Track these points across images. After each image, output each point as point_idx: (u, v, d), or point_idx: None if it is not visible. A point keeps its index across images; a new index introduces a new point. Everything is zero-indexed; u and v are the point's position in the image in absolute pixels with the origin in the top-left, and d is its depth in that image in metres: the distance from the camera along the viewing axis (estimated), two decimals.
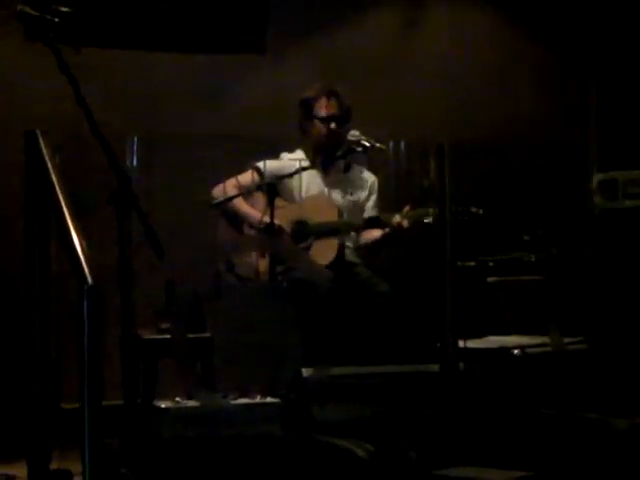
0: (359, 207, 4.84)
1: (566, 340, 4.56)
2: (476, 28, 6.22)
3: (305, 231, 4.65)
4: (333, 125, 4.70)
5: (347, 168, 4.79)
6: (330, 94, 4.74)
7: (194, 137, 5.45)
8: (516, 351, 4.37)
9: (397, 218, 4.57)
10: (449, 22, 6.18)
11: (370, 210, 4.87)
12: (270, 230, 4.33)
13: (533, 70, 6.31)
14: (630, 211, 5.29)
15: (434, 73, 6.05)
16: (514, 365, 4.35)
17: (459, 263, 4.14)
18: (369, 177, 4.91)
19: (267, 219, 4.33)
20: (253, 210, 4.61)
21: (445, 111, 6.01)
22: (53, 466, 3.26)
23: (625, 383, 4.43)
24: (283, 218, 4.55)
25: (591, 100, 6.41)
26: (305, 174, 4.65)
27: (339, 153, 4.64)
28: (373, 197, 4.91)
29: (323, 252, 4.62)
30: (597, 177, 5.59)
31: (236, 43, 5.67)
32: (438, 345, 3.91)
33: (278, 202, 4.51)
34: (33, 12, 3.18)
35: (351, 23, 5.97)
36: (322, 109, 4.72)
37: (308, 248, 4.62)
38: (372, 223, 4.70)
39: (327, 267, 4.56)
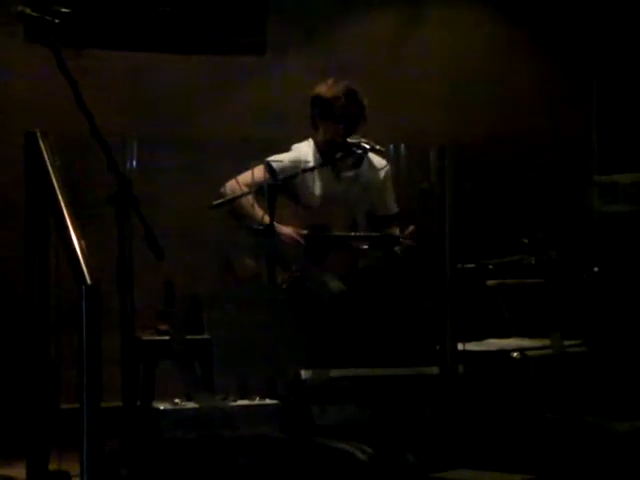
0: (374, 204, 4.76)
1: (566, 343, 4.55)
2: (476, 29, 6.22)
3: (321, 240, 4.57)
4: (353, 125, 4.59)
5: (358, 163, 4.70)
6: (349, 94, 4.59)
7: (194, 138, 5.45)
8: (515, 354, 4.37)
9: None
10: (449, 23, 6.17)
11: (391, 204, 4.80)
12: (269, 232, 4.31)
13: (533, 72, 6.30)
14: (630, 214, 5.28)
15: (434, 74, 6.04)
16: (513, 368, 4.34)
17: (459, 265, 4.14)
18: (380, 165, 4.77)
19: (267, 219, 4.30)
20: (257, 210, 4.51)
21: (445, 113, 6.01)
22: (51, 467, 3.26)
23: (626, 386, 4.42)
24: (301, 221, 4.52)
25: (591, 102, 6.41)
26: (317, 173, 4.60)
27: (338, 155, 4.60)
28: (389, 187, 4.80)
29: (338, 261, 4.56)
30: (597, 180, 5.59)
31: (235, 44, 5.67)
32: (438, 348, 3.91)
33: (292, 204, 4.50)
34: (33, 13, 3.17)
35: (350, 24, 5.97)
36: (341, 109, 4.56)
37: (323, 257, 4.56)
38: (391, 240, 4.60)
39: (342, 276, 4.50)
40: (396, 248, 4.53)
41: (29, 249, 3.25)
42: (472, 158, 5.69)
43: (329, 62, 5.73)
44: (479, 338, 4.62)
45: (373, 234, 4.64)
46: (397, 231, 4.68)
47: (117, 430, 3.16)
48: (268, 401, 4.05)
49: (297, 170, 4.49)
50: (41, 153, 3.12)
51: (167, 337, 4.45)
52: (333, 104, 4.59)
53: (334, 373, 4.05)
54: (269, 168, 4.56)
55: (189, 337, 4.45)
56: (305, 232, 4.55)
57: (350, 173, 4.70)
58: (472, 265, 4.62)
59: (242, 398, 4.07)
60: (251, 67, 5.68)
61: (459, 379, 3.88)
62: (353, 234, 4.61)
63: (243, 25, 5.68)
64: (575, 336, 4.64)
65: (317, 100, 4.64)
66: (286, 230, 4.49)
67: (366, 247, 4.53)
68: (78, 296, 2.57)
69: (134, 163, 5.24)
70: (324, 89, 4.63)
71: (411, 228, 4.49)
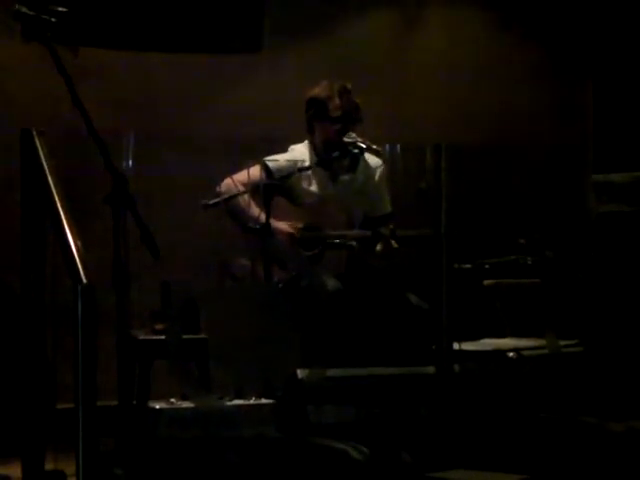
0: (369, 206, 4.77)
1: (562, 343, 4.56)
2: (473, 29, 6.23)
3: (315, 239, 4.56)
4: (349, 124, 4.60)
5: (354, 164, 4.71)
6: (343, 92, 4.60)
7: (191, 137, 5.45)
8: (511, 354, 4.37)
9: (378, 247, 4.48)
10: (446, 23, 6.19)
11: (385, 204, 4.79)
12: (266, 231, 4.31)
13: (529, 71, 6.32)
14: (626, 214, 5.29)
15: (431, 74, 6.05)
16: (509, 368, 4.34)
17: (455, 265, 4.14)
18: (376, 164, 4.77)
19: (263, 218, 4.30)
20: (253, 209, 4.51)
21: (442, 113, 6.02)
22: (47, 466, 3.26)
23: (621, 386, 4.43)
24: (297, 221, 4.52)
25: (587, 102, 6.42)
26: (313, 174, 4.61)
27: (336, 154, 4.59)
28: (384, 187, 4.79)
29: (334, 261, 4.55)
30: (593, 179, 5.58)
31: (233, 43, 5.67)
32: (433, 347, 3.91)
33: (288, 203, 4.50)
34: (30, 12, 3.17)
35: (348, 23, 5.98)
36: (336, 109, 4.57)
37: (318, 256, 4.55)
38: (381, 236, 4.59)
39: (339, 275, 4.49)
40: (378, 247, 4.52)
41: (25, 248, 3.24)
42: (469, 158, 5.70)
43: (328, 62, 5.74)
44: (475, 338, 4.62)
45: (353, 232, 4.62)
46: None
47: (113, 429, 3.16)
48: (264, 400, 4.04)
49: (293, 170, 4.50)
50: (37, 151, 3.12)
51: (163, 337, 4.46)
52: (328, 104, 4.60)
53: (330, 372, 4.05)
54: (265, 167, 4.56)
55: (185, 337, 4.46)
56: (300, 225, 4.56)
57: (346, 177, 4.71)
58: (468, 265, 4.62)
59: (238, 397, 4.06)
60: (249, 66, 5.68)
61: (455, 379, 3.89)
62: (343, 232, 4.61)
63: (240, 24, 5.68)
64: (571, 336, 4.64)
65: (312, 102, 4.66)
66: (280, 225, 4.50)
67: (354, 244, 4.53)
68: (74, 295, 2.57)
69: (130, 162, 5.25)
70: (318, 90, 4.66)
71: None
